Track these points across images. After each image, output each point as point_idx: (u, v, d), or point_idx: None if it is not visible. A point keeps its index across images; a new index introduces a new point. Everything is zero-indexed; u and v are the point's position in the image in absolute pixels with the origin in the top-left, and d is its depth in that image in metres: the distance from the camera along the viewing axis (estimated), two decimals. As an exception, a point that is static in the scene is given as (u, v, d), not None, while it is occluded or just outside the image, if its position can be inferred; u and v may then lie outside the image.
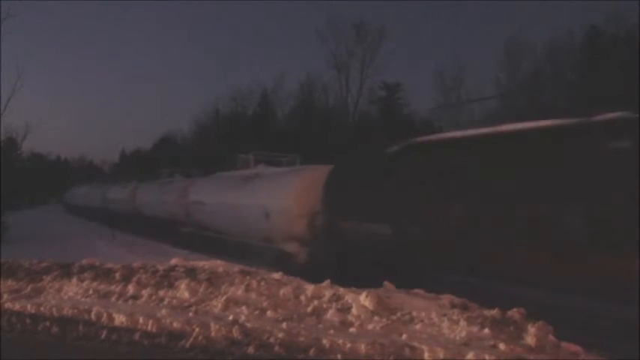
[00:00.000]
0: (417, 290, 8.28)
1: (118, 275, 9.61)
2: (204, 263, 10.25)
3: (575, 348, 6.13)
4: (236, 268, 9.62)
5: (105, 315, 7.91)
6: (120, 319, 7.72)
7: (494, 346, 5.93)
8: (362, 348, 6.05)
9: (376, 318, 6.98)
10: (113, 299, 8.77)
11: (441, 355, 5.71)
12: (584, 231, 7.95)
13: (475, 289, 8.98)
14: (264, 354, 6.34)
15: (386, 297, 7.53)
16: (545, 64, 36.06)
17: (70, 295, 9.27)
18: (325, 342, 6.31)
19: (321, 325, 6.95)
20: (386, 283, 8.77)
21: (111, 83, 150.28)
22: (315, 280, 8.40)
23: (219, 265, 9.96)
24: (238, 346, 6.58)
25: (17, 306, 8.73)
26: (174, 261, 10.71)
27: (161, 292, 8.72)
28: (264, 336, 6.64)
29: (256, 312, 7.50)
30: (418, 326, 6.69)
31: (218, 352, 6.55)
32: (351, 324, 6.93)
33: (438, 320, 6.74)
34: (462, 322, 6.53)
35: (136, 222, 31.92)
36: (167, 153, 61.54)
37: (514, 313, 6.85)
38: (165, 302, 8.34)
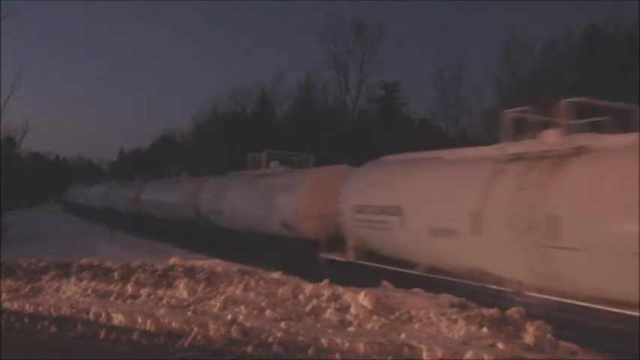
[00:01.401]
0: (415, 289, 8.29)
1: (116, 275, 9.60)
2: (202, 262, 10.24)
3: (573, 347, 6.14)
4: (235, 267, 9.62)
5: (103, 314, 7.91)
6: (118, 319, 7.72)
7: (493, 345, 5.93)
8: (360, 347, 6.05)
9: (375, 317, 6.98)
10: (112, 299, 8.76)
11: (440, 355, 5.71)
12: None
13: (474, 288, 8.95)
14: (263, 353, 6.34)
15: (384, 296, 7.53)
16: (544, 63, 36.07)
17: (69, 294, 9.27)
18: (324, 341, 6.31)
19: (319, 325, 6.95)
20: (384, 282, 8.76)
21: (109, 82, 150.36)
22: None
23: (217, 264, 9.95)
24: (237, 345, 6.58)
25: (16, 305, 8.72)
26: (172, 260, 10.70)
27: (160, 292, 8.71)
28: (263, 335, 6.63)
29: (255, 311, 7.50)
30: (417, 325, 6.69)
31: (217, 352, 6.55)
32: (350, 323, 6.93)
33: (436, 319, 6.73)
34: (461, 322, 6.53)
35: (205, 236, 20.68)
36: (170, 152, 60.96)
37: (513, 312, 6.85)
38: (164, 302, 8.34)
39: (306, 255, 13.38)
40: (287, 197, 15.43)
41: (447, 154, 11.33)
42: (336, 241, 12.99)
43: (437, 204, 10.18)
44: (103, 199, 40.65)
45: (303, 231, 14.61)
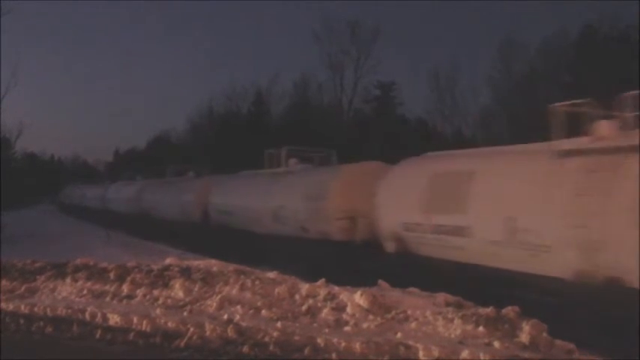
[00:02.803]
0: (411, 289, 8.29)
1: (112, 275, 9.58)
2: (198, 262, 10.23)
3: (569, 346, 6.15)
4: (231, 267, 9.61)
5: (99, 315, 7.89)
6: (114, 319, 7.70)
7: (489, 344, 5.94)
8: (357, 347, 6.05)
9: (371, 317, 6.98)
10: (107, 299, 8.74)
11: (436, 354, 5.72)
12: None
13: (470, 287, 8.95)
14: (259, 353, 6.33)
15: (380, 296, 7.53)
16: (540, 63, 36.18)
17: (64, 294, 9.24)
18: (320, 341, 6.31)
19: (315, 324, 6.95)
20: (380, 281, 8.77)
21: (105, 82, 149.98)
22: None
23: (213, 264, 9.94)
24: (233, 345, 6.58)
25: (11, 306, 8.70)
26: (168, 260, 10.69)
27: (156, 292, 8.70)
28: (259, 335, 6.63)
29: (251, 311, 7.50)
30: (413, 325, 6.69)
31: (213, 352, 6.55)
32: (346, 323, 6.93)
33: (432, 319, 6.74)
34: (457, 321, 6.53)
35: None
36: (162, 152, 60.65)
37: (508, 311, 6.86)
38: (160, 302, 8.32)
39: None
40: None
41: None
42: None
43: None
44: (133, 203, 30.21)
45: None
